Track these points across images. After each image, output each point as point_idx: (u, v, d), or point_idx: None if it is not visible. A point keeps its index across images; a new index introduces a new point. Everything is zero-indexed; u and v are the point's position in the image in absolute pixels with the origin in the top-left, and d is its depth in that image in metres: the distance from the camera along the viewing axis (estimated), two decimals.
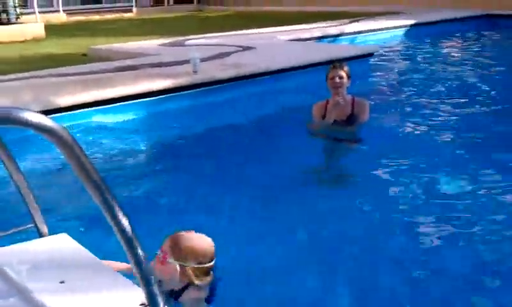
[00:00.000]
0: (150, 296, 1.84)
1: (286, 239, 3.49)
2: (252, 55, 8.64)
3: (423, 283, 3.10)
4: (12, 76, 7.23)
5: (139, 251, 1.75)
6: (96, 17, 20.32)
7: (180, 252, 2.51)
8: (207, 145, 5.68)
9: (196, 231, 2.61)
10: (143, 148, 5.62)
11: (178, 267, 2.50)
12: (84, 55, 10.27)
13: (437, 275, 3.17)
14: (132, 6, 22.39)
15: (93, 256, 2.42)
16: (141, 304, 1.93)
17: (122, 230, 1.70)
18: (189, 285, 2.54)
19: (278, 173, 4.68)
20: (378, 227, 3.74)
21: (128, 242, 1.72)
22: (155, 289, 1.84)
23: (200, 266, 2.52)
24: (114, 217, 1.67)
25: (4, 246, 2.47)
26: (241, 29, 12.56)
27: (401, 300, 2.94)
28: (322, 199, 4.23)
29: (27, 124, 1.49)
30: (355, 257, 3.34)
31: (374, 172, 4.76)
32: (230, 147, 5.52)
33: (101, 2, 22.27)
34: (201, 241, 2.58)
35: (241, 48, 9.26)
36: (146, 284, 1.81)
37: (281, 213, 3.89)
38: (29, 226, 2.63)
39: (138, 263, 1.77)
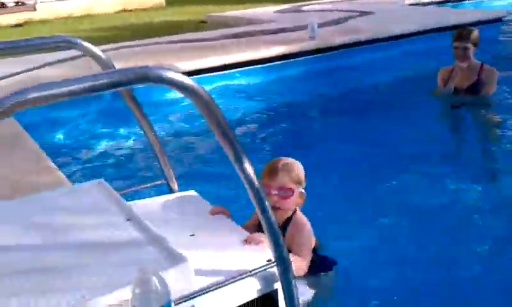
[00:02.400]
0: (278, 252, 1.89)
1: (406, 212, 3.40)
2: (370, 21, 8.43)
3: None
4: (134, 42, 7.59)
5: (267, 203, 1.81)
6: None
7: (299, 178, 2.58)
8: (323, 111, 5.67)
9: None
10: (258, 113, 5.70)
11: (304, 192, 2.58)
12: (203, 22, 10.54)
13: None
14: None
15: (222, 214, 2.51)
16: (268, 260, 1.99)
17: (252, 184, 1.76)
18: (295, 210, 2.59)
19: (396, 141, 4.58)
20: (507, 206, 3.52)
21: (258, 195, 1.78)
22: (283, 245, 1.89)
23: (305, 186, 2.60)
24: (245, 172, 1.73)
25: (138, 199, 2.64)
26: None
27: None
28: (443, 171, 4.07)
29: (165, 82, 1.56)
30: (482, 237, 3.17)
31: (499, 144, 4.52)
32: (346, 114, 5.47)
33: None
34: (297, 162, 2.63)
35: (358, 13, 9.07)
36: (275, 239, 1.87)
37: (400, 186, 3.79)
38: (161, 182, 2.79)
39: (266, 216, 1.82)
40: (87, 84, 1.41)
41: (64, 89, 1.37)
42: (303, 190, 2.60)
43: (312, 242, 2.53)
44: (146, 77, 1.54)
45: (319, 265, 2.53)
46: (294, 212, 2.58)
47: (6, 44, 2.34)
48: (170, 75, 1.55)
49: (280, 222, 2.55)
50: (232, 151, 1.67)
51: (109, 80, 1.47)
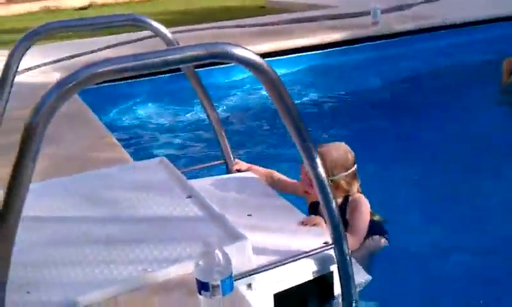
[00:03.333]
0: (336, 235, 1.89)
1: (460, 207, 3.31)
2: (435, 7, 8.22)
3: None
4: (193, 27, 7.65)
5: (328, 187, 1.81)
6: None
7: (326, 169, 2.49)
8: (384, 98, 5.58)
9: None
10: (318, 98, 5.67)
11: (337, 178, 2.47)
12: (262, 7, 10.52)
13: None
14: None
15: (278, 195, 2.53)
16: (324, 243, 2.00)
17: (313, 167, 1.77)
18: (347, 198, 2.53)
19: (457, 133, 4.46)
20: None
21: (319, 178, 1.79)
22: (341, 229, 1.89)
23: (349, 172, 2.50)
24: (307, 154, 1.74)
25: (197, 178, 2.70)
26: None
27: None
28: (499, 166, 3.92)
29: (235, 58, 1.57)
30: None
31: None
32: (407, 101, 5.37)
33: None
34: (339, 149, 2.55)
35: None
36: (333, 222, 1.87)
37: (461, 179, 3.68)
38: (220, 162, 2.83)
39: (327, 200, 1.83)
40: (160, 58, 1.44)
41: (140, 62, 1.39)
42: (340, 182, 2.50)
43: (367, 222, 2.49)
44: (216, 52, 1.55)
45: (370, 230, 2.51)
46: (348, 196, 2.54)
47: (77, 22, 2.42)
48: (239, 51, 1.55)
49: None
50: (296, 132, 1.68)
51: (181, 55, 1.49)
